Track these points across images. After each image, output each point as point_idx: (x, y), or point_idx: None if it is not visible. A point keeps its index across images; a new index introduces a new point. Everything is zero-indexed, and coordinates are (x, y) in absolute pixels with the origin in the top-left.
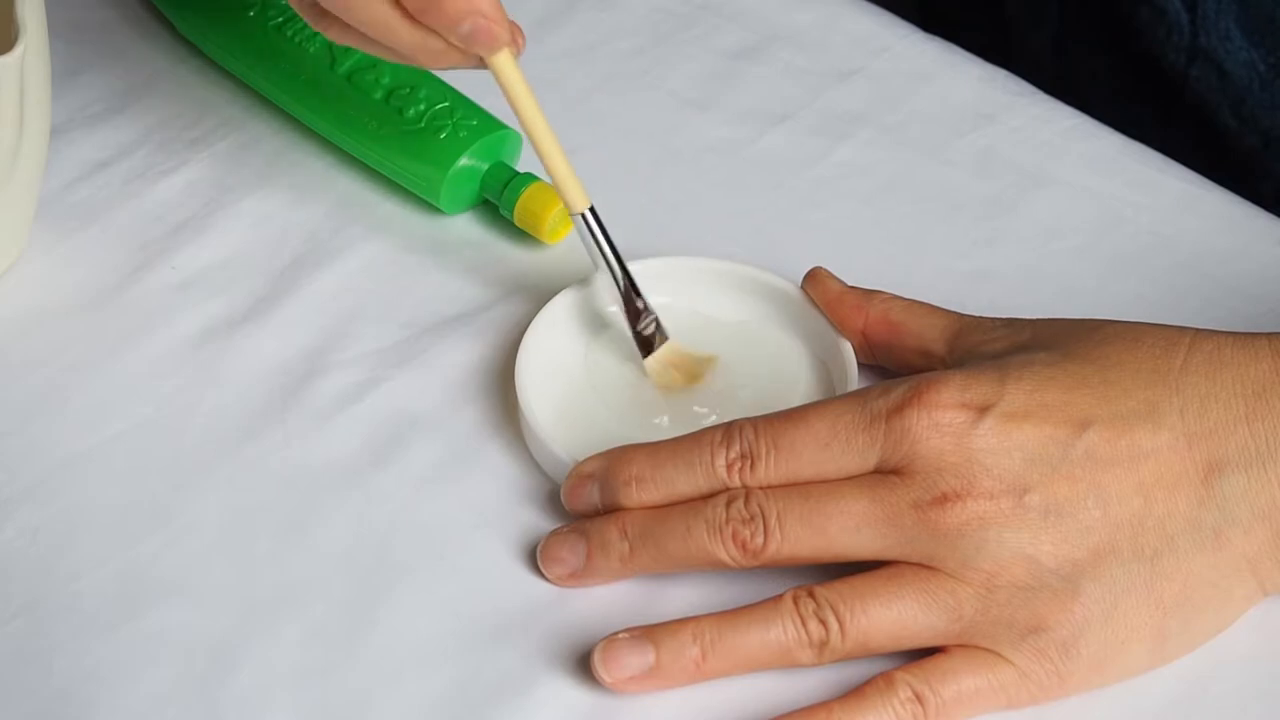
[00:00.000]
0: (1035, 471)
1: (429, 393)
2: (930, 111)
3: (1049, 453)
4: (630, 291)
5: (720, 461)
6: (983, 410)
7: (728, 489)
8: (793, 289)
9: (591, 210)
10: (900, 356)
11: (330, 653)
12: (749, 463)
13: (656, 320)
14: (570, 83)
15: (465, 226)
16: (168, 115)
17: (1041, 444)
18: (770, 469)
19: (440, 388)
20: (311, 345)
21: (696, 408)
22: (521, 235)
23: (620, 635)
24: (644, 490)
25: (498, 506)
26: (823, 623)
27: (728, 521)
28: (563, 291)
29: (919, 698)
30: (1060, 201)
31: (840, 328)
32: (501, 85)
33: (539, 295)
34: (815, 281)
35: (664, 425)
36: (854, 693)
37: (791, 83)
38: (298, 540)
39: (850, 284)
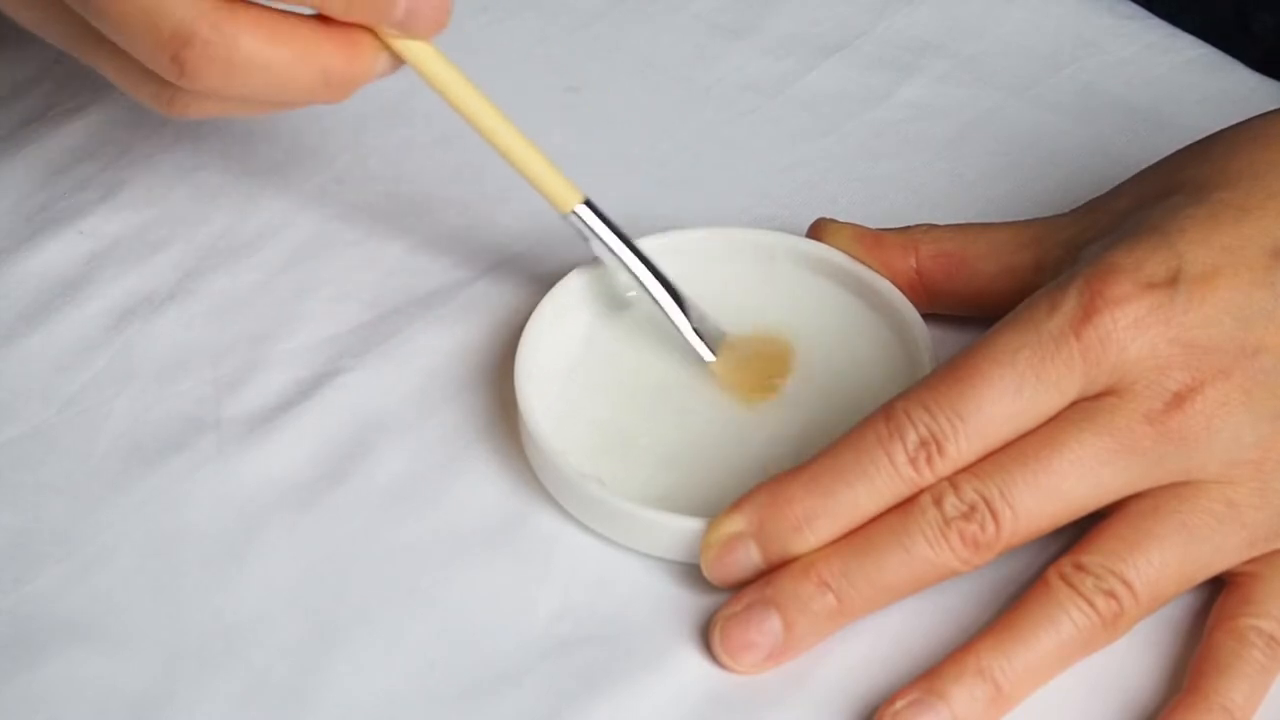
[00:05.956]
0: (1254, 327)
1: (397, 388)
2: (1020, 39)
3: (1258, 300)
4: (665, 290)
5: (901, 458)
6: (1171, 283)
7: (923, 488)
8: (843, 259)
9: (587, 203)
10: (966, 289)
11: (274, 713)
12: (935, 447)
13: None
14: (575, 5)
15: None
16: None
17: (1246, 294)
18: (963, 445)
19: (411, 382)
20: (251, 330)
21: (739, 404)
22: (510, 192)
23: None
24: (820, 527)
25: (483, 529)
26: (1112, 596)
27: (948, 523)
28: (572, 272)
29: (1275, 639)
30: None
31: (886, 275)
32: (432, 81)
33: (532, 267)
34: (833, 232)
35: (702, 424)
36: (1211, 660)
37: (848, 3)
38: (234, 573)
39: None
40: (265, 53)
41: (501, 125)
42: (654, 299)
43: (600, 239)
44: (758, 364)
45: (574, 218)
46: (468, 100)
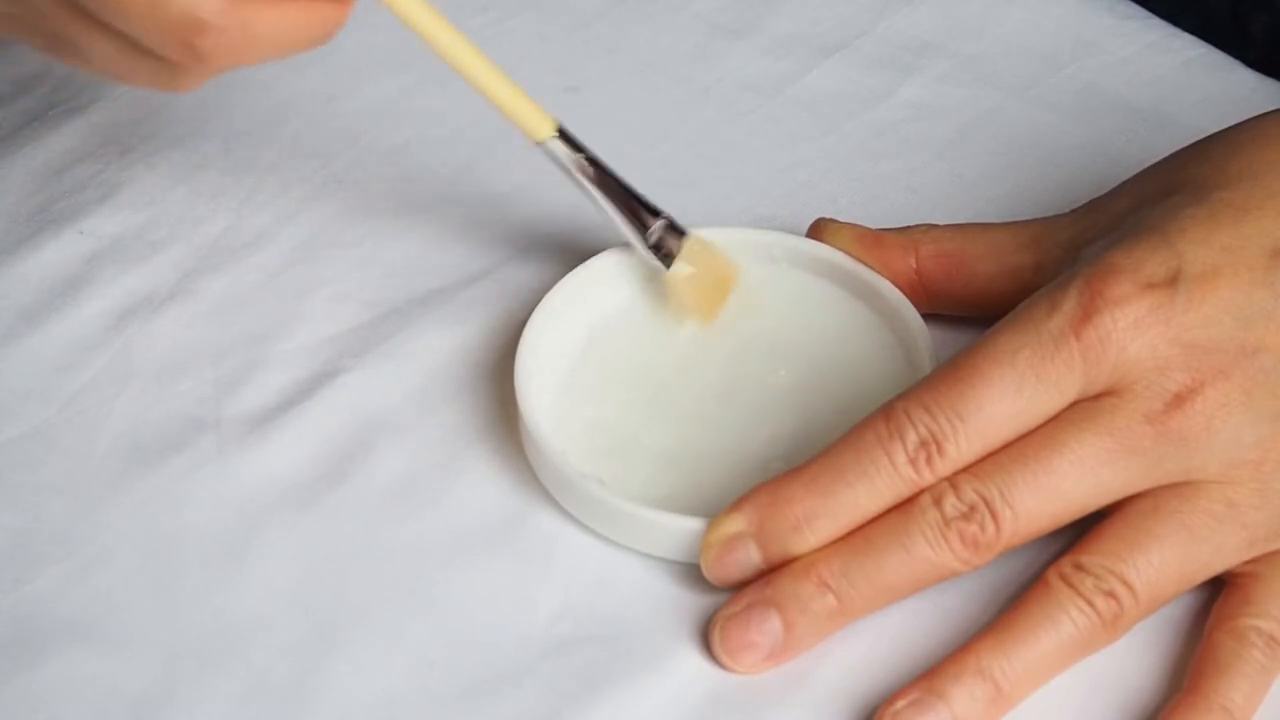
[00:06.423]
0: (1254, 327)
1: (397, 388)
2: (1020, 39)
3: (1258, 300)
4: (627, 200)
5: (901, 458)
6: (1171, 283)
7: (923, 488)
8: (843, 259)
9: (560, 132)
10: (966, 290)
11: (274, 713)
12: (935, 448)
13: (669, 223)
14: (575, 5)
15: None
16: None
17: (1246, 294)
18: (963, 445)
19: (411, 382)
20: (251, 330)
21: (741, 402)
22: (511, 192)
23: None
24: (820, 527)
25: (484, 529)
26: (1112, 596)
27: (948, 523)
28: (572, 272)
29: (1275, 639)
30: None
31: (886, 275)
32: (399, 13)
33: (534, 267)
34: (833, 232)
35: (702, 424)
36: (1211, 660)
37: (848, 3)
38: (234, 573)
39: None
40: (274, 22)
41: (473, 56)
42: (612, 220)
43: (570, 168)
44: (707, 283)
45: (548, 145)
46: (439, 32)
